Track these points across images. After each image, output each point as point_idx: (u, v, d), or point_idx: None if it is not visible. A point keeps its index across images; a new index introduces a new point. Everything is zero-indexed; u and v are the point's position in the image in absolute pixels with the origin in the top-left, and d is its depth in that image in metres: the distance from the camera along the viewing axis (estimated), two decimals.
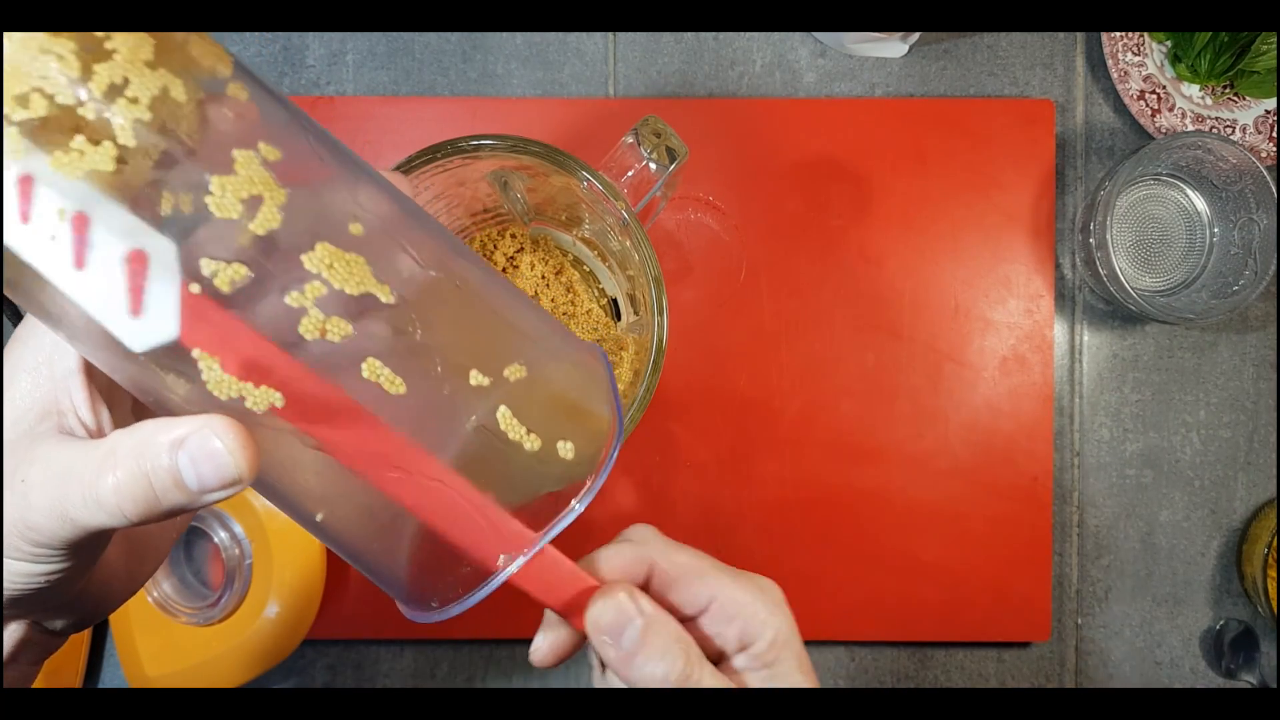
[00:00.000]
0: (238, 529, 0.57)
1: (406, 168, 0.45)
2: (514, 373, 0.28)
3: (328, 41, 0.61)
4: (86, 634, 0.59)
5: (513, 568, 0.28)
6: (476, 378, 0.28)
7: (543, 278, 0.55)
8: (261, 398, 0.26)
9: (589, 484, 0.29)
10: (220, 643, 0.57)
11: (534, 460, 0.29)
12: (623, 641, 0.30)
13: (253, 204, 0.25)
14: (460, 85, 0.61)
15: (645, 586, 0.32)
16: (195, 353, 0.25)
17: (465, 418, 0.28)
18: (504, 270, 0.55)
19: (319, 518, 0.29)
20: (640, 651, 0.30)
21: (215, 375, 0.26)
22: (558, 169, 0.45)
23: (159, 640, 0.57)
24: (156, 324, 0.25)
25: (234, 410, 0.26)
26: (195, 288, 0.25)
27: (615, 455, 0.30)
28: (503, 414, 0.28)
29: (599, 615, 0.30)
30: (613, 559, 0.32)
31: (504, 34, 0.61)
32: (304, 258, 0.26)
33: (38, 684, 0.55)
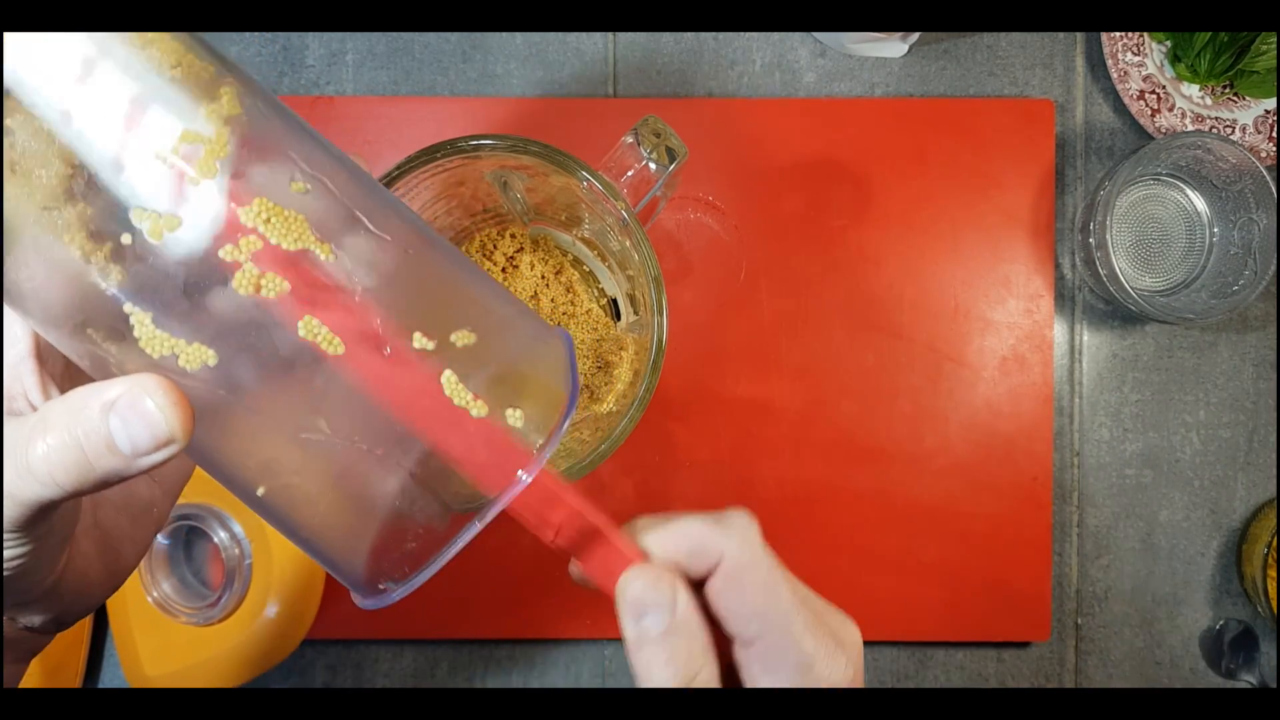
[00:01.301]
0: (238, 529, 0.57)
1: (406, 168, 0.44)
2: (462, 338, 0.27)
3: (328, 41, 0.61)
4: (86, 634, 0.59)
5: (443, 557, 0.27)
6: (420, 340, 0.27)
7: (542, 278, 0.55)
8: (194, 355, 0.25)
9: (537, 454, 0.28)
10: (220, 643, 0.57)
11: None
12: (644, 625, 0.29)
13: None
14: (460, 85, 0.61)
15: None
16: (126, 307, 0.25)
17: (407, 380, 0.27)
18: (504, 270, 0.55)
19: (260, 492, 0.27)
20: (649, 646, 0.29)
21: (147, 331, 0.25)
22: (558, 169, 0.45)
23: (159, 640, 0.57)
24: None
25: (170, 371, 0.25)
26: (126, 239, 0.25)
27: (567, 425, 0.28)
28: (448, 378, 0.27)
29: (629, 586, 0.29)
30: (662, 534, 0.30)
31: (504, 34, 0.61)
32: (240, 211, 0.25)
33: (38, 684, 0.55)
